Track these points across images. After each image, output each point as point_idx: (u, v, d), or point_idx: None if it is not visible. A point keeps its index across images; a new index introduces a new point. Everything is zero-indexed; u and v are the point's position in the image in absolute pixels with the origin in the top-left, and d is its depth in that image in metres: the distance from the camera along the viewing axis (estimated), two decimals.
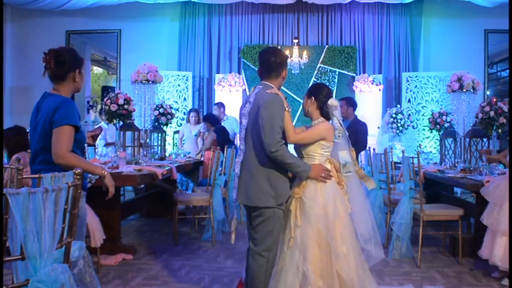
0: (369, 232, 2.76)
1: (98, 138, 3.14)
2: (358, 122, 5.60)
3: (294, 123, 2.83)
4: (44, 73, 2.41)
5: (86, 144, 2.75)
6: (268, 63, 2.75)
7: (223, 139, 6.30)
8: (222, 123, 7.29)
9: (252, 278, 2.66)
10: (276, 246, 2.65)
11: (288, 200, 2.73)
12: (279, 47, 8.94)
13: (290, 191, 2.74)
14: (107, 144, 6.73)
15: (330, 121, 2.84)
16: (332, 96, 2.86)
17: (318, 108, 2.83)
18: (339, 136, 2.78)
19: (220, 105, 7.61)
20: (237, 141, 7.40)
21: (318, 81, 8.63)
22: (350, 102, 5.66)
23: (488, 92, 9.03)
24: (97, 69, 13.52)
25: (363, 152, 6.78)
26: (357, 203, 2.78)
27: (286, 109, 2.64)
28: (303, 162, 2.71)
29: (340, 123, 2.79)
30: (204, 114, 8.44)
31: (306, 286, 2.53)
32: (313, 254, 2.57)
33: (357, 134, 5.45)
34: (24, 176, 2.20)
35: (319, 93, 2.83)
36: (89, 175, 2.80)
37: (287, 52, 8.69)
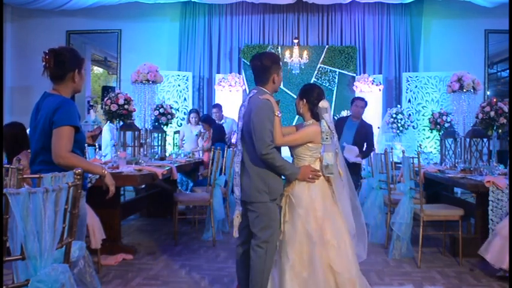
0: (352, 229, 2.87)
1: (98, 138, 3.13)
2: (366, 123, 5.62)
3: (294, 123, 2.90)
4: (43, 73, 2.41)
5: (85, 144, 2.75)
6: (255, 69, 2.86)
7: (218, 137, 6.37)
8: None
9: (253, 270, 2.77)
10: (274, 238, 2.77)
11: (281, 198, 2.88)
12: (279, 48, 8.98)
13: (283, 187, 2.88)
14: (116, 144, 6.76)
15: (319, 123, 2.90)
16: (323, 98, 2.91)
17: (309, 110, 2.93)
18: (326, 138, 2.84)
19: (219, 106, 7.65)
20: (233, 141, 7.48)
21: (314, 82, 8.65)
22: (367, 104, 5.69)
23: (488, 92, 9.03)
24: (97, 69, 13.53)
25: None
26: (340, 202, 2.87)
27: (276, 114, 2.75)
28: (292, 165, 2.84)
29: (328, 126, 2.85)
30: (204, 114, 8.46)
31: (291, 277, 2.68)
32: (299, 247, 2.72)
33: (367, 135, 5.51)
34: (25, 176, 2.19)
35: (310, 95, 2.91)
36: (89, 175, 2.80)
37: (287, 52, 8.71)
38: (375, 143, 7.93)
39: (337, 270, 2.65)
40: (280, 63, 2.92)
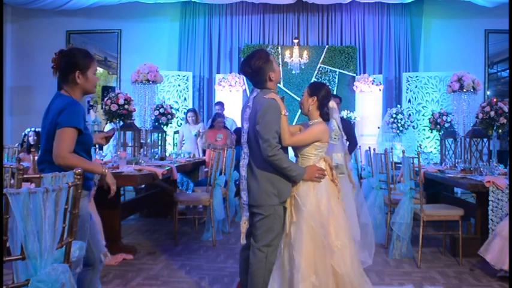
0: (356, 233, 2.82)
1: (112, 139, 3.12)
2: (345, 119, 5.68)
3: (294, 123, 2.83)
4: (53, 73, 2.44)
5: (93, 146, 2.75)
6: (248, 76, 2.77)
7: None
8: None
9: (252, 273, 2.70)
10: (275, 242, 2.69)
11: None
12: (279, 48, 8.98)
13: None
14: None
15: (328, 122, 2.85)
16: (331, 98, 2.87)
17: (318, 108, 2.83)
18: (335, 138, 2.80)
19: (222, 104, 7.67)
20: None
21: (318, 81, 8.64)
22: (341, 101, 5.71)
23: (488, 92, 9.03)
24: (97, 69, 13.53)
25: (363, 152, 6.79)
26: (345, 202, 2.82)
27: (283, 113, 2.65)
28: (298, 166, 2.74)
29: (338, 126, 2.82)
30: (204, 114, 8.47)
31: (299, 280, 2.57)
32: (306, 250, 2.61)
33: (350, 131, 5.56)
34: (25, 176, 2.20)
35: (320, 93, 2.82)
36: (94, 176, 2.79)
37: (287, 52, 8.71)
38: (375, 143, 7.97)
39: (339, 272, 2.59)
40: (270, 56, 2.76)
